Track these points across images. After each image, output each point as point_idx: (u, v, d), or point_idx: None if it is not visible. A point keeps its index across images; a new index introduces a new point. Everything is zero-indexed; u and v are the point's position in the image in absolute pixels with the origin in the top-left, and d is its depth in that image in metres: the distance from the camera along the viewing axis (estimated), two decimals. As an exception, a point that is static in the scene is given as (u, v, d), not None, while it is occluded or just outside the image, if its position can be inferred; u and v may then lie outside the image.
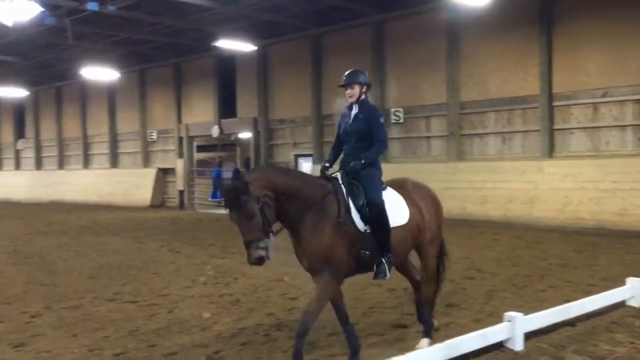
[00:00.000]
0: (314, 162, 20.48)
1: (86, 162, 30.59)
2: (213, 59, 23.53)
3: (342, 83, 5.50)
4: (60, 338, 6.01)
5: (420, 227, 5.50)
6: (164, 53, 24.78)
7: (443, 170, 16.93)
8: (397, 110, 18.54)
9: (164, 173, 26.16)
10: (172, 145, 25.70)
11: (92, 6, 16.93)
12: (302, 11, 19.28)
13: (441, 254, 5.88)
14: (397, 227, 5.24)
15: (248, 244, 4.64)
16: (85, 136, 30.64)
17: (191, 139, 24.86)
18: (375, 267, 5.08)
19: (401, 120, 18.50)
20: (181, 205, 24.76)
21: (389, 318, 6.50)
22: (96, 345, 5.73)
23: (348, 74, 5.53)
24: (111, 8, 17.13)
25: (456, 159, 17.14)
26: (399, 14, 18.22)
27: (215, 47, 20.07)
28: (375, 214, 5.08)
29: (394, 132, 18.53)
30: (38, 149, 33.78)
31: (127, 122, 28.22)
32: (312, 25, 19.92)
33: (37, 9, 15.92)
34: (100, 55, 24.29)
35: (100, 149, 29.83)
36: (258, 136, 22.31)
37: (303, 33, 20.38)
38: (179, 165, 25.07)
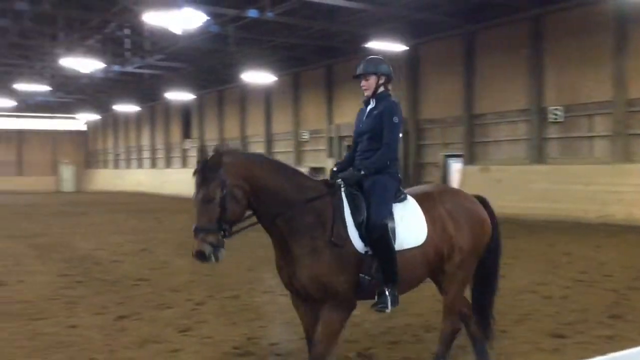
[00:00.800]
0: (465, 163, 20.01)
1: (243, 161, 32.37)
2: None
3: (356, 73, 4.73)
4: (222, 325, 6.43)
5: (442, 249, 4.49)
6: (316, 56, 25.54)
7: (607, 172, 15.80)
8: (555, 109, 17.59)
9: (315, 172, 26.91)
10: (323, 145, 26.40)
11: (252, 13, 17.91)
12: (456, 9, 18.96)
13: (487, 283, 4.87)
14: (410, 249, 4.35)
15: (195, 232, 3.94)
16: (244, 136, 32.46)
17: (341, 138, 25.38)
18: (376, 296, 4.25)
19: (560, 119, 17.52)
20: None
21: (544, 326, 6.20)
22: (253, 334, 6.06)
23: (363, 62, 4.74)
24: (269, 14, 17.98)
25: (623, 160, 15.90)
26: (560, 7, 17.29)
27: (365, 48, 20.36)
28: (376, 236, 4.19)
29: (551, 132, 17.63)
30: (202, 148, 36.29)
31: (281, 123, 29.47)
32: (465, 23, 19.48)
33: (203, 18, 17.15)
34: (259, 60, 25.57)
35: (257, 148, 31.41)
36: (407, 136, 22.24)
37: (456, 31, 20.02)
38: (330, 164, 25.68)
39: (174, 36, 21.34)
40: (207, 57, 26.48)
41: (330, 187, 4.36)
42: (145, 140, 42.90)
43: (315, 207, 4.18)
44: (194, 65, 28.04)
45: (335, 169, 4.67)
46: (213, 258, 3.94)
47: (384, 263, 4.20)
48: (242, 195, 4.04)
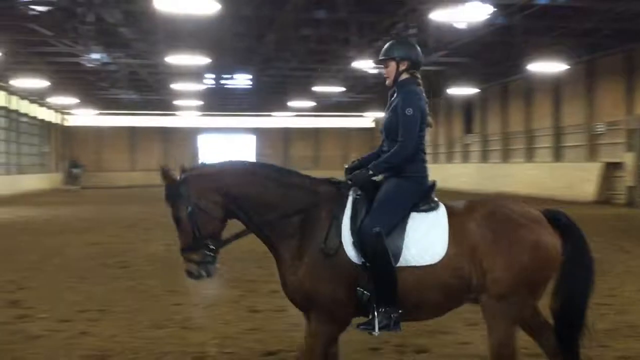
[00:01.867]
0: None
1: (529, 156, 31.03)
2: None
3: (378, 59, 4.20)
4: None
5: (466, 274, 3.77)
6: (613, 41, 23.22)
7: None
8: None
9: (611, 167, 24.58)
10: (621, 138, 23.93)
11: (542, 0, 17.04)
12: None
13: (568, 321, 3.89)
14: (418, 267, 3.78)
15: (180, 253, 3.96)
16: (528, 130, 31.11)
17: (644, 131, 22.72)
18: (370, 314, 3.78)
19: None
20: (631, 202, 22.87)
21: None
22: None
23: (385, 47, 4.19)
24: (561, -1, 16.94)
25: None
26: None
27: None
28: (366, 246, 3.72)
29: None
30: (484, 142, 35.76)
31: (572, 115, 27.50)
32: None
33: (489, 10, 16.86)
34: (547, 49, 24.18)
35: (544, 142, 29.84)
36: None
37: None
38: (629, 159, 23.16)
39: (457, 31, 21.39)
40: (491, 50, 25.94)
41: (335, 187, 4.01)
42: (428, 136, 43.78)
43: (307, 211, 3.88)
44: (477, 59, 27.72)
45: (347, 166, 4.22)
46: (203, 274, 3.89)
47: (376, 278, 3.72)
48: (212, 207, 3.87)
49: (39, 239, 14.24)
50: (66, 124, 47.16)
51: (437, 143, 42.10)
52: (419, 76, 4.24)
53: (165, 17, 18.20)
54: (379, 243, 3.73)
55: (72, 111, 44.15)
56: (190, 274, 3.94)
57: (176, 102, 39.67)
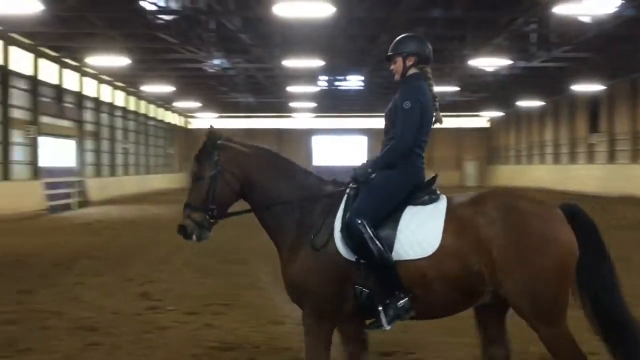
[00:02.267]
0: None
1: (661, 156, 28.86)
2: None
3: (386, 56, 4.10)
4: None
5: (473, 266, 3.58)
6: None
7: None
8: None
9: None
10: None
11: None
12: None
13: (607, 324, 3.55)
14: (414, 260, 3.65)
15: (184, 207, 4.03)
16: (661, 129, 28.95)
17: None
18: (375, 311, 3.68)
19: None
20: None
21: None
22: None
23: (393, 42, 4.09)
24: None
25: None
26: None
27: None
28: (351, 238, 3.67)
29: None
30: (611, 142, 33.65)
31: None
32: None
33: (616, 2, 15.87)
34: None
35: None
36: None
37: None
38: None
39: (582, 25, 20.30)
40: (619, 43, 24.38)
41: (338, 186, 4.03)
42: (548, 135, 41.94)
43: (305, 206, 3.93)
44: (603, 54, 26.13)
45: (357, 165, 4.06)
46: (194, 236, 3.97)
47: (371, 271, 3.65)
48: (232, 179, 3.99)
49: (165, 235, 15.10)
50: (189, 126, 49.72)
51: (559, 143, 40.16)
52: (428, 71, 4.14)
53: (282, 22, 18.70)
54: (364, 234, 3.67)
55: (195, 114, 46.48)
56: (183, 229, 4.02)
57: (291, 105, 40.62)
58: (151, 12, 20.53)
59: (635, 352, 3.55)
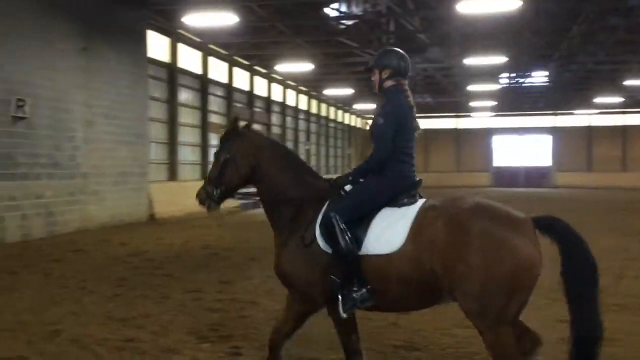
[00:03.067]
0: None
1: None
2: None
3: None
4: None
5: (426, 267, 3.79)
6: None
7: None
8: None
9: None
10: None
11: None
12: None
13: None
14: (376, 256, 3.97)
15: (204, 178, 4.67)
16: None
17: None
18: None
19: None
20: None
21: None
22: None
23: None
24: None
25: None
26: None
27: None
28: (324, 229, 4.10)
29: None
30: None
31: None
32: None
33: None
34: None
35: None
36: None
37: None
38: None
39: None
40: None
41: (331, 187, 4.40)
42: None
43: (303, 203, 4.33)
44: None
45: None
46: (206, 204, 4.55)
47: (337, 261, 4.03)
48: (242, 166, 4.46)
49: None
50: (367, 127, 50.73)
51: None
52: (404, 83, 4.41)
53: (462, 19, 18.34)
54: (334, 226, 4.04)
55: (372, 116, 47.25)
56: (199, 196, 4.60)
57: (470, 104, 39.66)
58: (334, 18, 21.23)
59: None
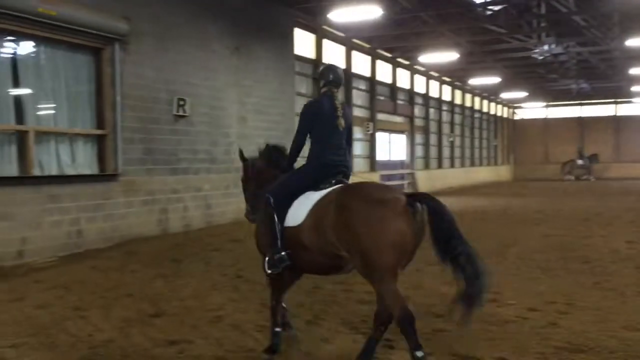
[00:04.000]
0: None
1: None
2: None
3: None
4: None
5: (317, 236, 4.88)
6: None
7: None
8: None
9: None
10: None
11: None
12: None
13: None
14: (291, 227, 5.11)
15: None
16: None
17: None
18: None
19: None
20: None
21: None
22: None
23: None
24: None
25: None
26: None
27: None
28: (262, 207, 5.40)
29: None
30: None
31: None
32: None
33: None
34: None
35: None
36: None
37: None
38: None
39: None
40: None
41: None
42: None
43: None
44: None
45: None
46: (250, 219, 6.07)
47: (266, 230, 5.28)
48: (248, 189, 6.07)
49: (494, 227, 15.04)
50: (515, 117, 48.62)
51: None
52: (334, 90, 5.59)
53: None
54: (267, 204, 5.24)
55: (520, 105, 45.27)
56: (245, 213, 6.21)
57: (632, 89, 36.62)
58: (480, 4, 20.52)
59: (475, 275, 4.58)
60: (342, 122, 5.45)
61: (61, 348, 5.62)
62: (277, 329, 5.42)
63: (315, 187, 5.22)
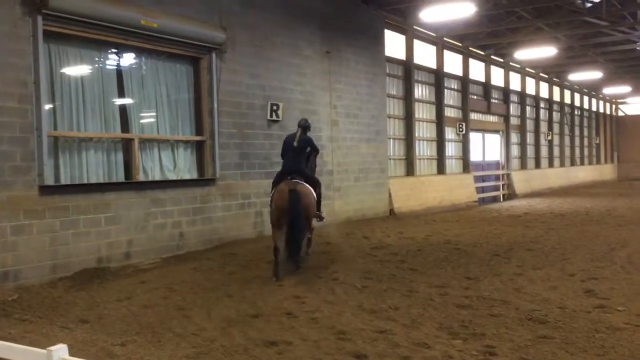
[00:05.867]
0: None
1: None
2: None
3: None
4: None
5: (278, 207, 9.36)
6: None
7: None
8: None
9: None
10: None
11: None
12: None
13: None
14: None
15: None
16: None
17: None
18: None
19: None
20: None
21: None
22: None
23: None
24: None
25: None
26: None
27: None
28: None
29: None
30: None
31: None
32: None
33: None
34: None
35: None
36: None
37: None
38: None
39: None
40: None
41: None
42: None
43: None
44: None
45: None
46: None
47: None
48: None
49: (598, 229, 14.30)
50: (618, 113, 46.10)
51: None
52: (298, 130, 10.00)
53: None
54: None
55: (625, 100, 42.87)
56: None
57: None
58: (579, -4, 19.60)
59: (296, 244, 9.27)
60: (297, 145, 9.82)
61: (167, 346, 5.86)
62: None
63: (281, 180, 9.64)
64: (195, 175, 12.12)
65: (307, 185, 9.49)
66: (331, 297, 7.77)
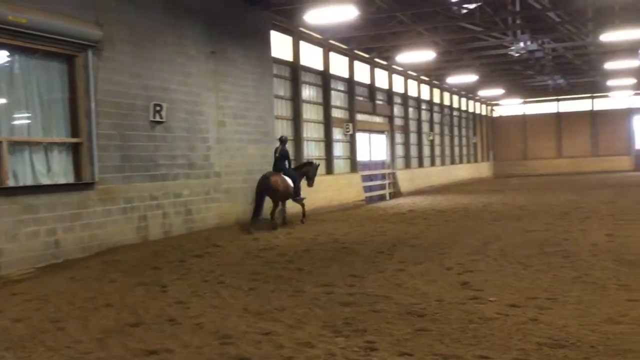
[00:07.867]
0: None
1: None
2: None
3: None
4: None
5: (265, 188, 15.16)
6: None
7: None
8: None
9: None
10: None
11: None
12: None
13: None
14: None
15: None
16: None
17: None
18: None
19: None
20: None
21: None
22: None
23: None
24: None
25: None
26: None
27: None
28: None
29: None
30: None
31: None
32: None
33: None
34: None
35: None
36: None
37: None
38: None
39: None
40: None
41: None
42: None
43: None
44: None
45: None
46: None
47: None
48: None
49: (475, 224, 15.10)
50: (493, 114, 48.96)
51: None
52: (284, 145, 16.18)
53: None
54: None
55: (498, 102, 45.60)
56: None
57: (607, 83, 37.06)
58: (456, 2, 20.62)
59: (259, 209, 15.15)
60: (278, 155, 15.86)
61: (38, 362, 5.51)
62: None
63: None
64: (71, 179, 11.51)
65: (282, 175, 15.52)
66: (217, 300, 7.65)
